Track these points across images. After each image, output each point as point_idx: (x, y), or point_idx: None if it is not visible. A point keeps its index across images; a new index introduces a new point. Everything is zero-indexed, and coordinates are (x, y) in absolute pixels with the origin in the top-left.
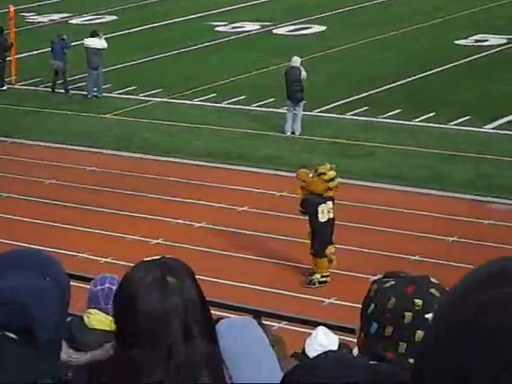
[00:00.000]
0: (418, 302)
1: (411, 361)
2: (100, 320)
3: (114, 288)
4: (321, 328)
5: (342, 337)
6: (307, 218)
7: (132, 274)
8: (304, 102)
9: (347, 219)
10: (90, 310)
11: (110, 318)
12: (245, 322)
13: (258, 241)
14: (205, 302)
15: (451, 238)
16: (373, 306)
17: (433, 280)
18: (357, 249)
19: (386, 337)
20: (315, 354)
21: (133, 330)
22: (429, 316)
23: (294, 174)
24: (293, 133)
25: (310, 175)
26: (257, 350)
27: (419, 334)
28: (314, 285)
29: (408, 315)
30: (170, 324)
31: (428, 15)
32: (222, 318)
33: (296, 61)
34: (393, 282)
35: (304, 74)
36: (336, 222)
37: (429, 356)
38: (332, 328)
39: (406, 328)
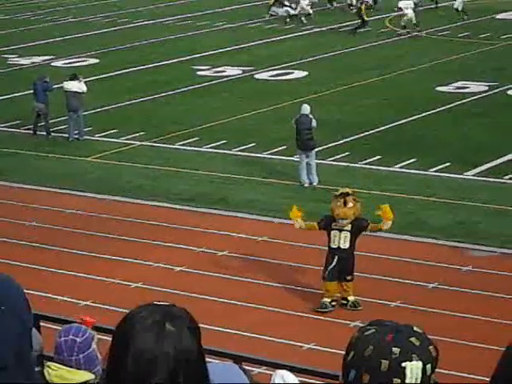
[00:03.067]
0: (396, 350)
1: None
2: (61, 376)
3: (78, 340)
4: (278, 373)
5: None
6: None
7: (134, 313)
8: (316, 150)
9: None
10: (49, 364)
11: (73, 370)
12: (227, 368)
13: (237, 285)
14: (201, 355)
15: (431, 285)
16: (352, 353)
17: (416, 329)
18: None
19: None
20: None
21: (122, 368)
22: (405, 365)
23: (280, 220)
24: (311, 183)
25: (350, 203)
26: None
27: (396, 382)
28: (326, 308)
29: (384, 363)
30: (157, 370)
31: (410, 62)
32: None
33: (306, 109)
34: (373, 330)
35: (314, 121)
36: (312, 267)
37: None
38: (311, 373)
39: (382, 376)
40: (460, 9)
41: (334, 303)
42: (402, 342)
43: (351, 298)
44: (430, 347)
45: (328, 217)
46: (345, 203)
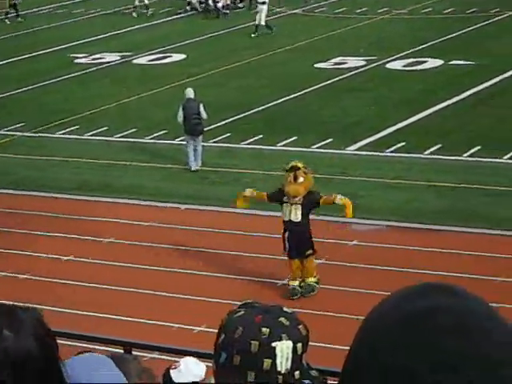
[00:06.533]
0: (265, 330)
1: None
2: None
3: None
4: (188, 359)
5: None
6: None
7: None
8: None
9: (208, 246)
10: None
11: None
12: (96, 361)
13: (124, 272)
14: (50, 356)
15: (319, 261)
16: (222, 336)
17: (286, 309)
18: (223, 275)
19: (235, 366)
20: None
21: None
22: (275, 344)
23: (164, 205)
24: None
25: (301, 177)
26: None
27: (267, 362)
28: (297, 294)
29: (254, 344)
30: None
31: (287, 40)
32: (82, 352)
33: (190, 92)
34: (243, 312)
35: (202, 106)
36: (198, 250)
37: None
38: (204, 356)
39: (253, 357)
40: None
41: (302, 284)
42: (270, 322)
43: (309, 280)
44: (300, 326)
45: (280, 190)
46: (295, 178)
